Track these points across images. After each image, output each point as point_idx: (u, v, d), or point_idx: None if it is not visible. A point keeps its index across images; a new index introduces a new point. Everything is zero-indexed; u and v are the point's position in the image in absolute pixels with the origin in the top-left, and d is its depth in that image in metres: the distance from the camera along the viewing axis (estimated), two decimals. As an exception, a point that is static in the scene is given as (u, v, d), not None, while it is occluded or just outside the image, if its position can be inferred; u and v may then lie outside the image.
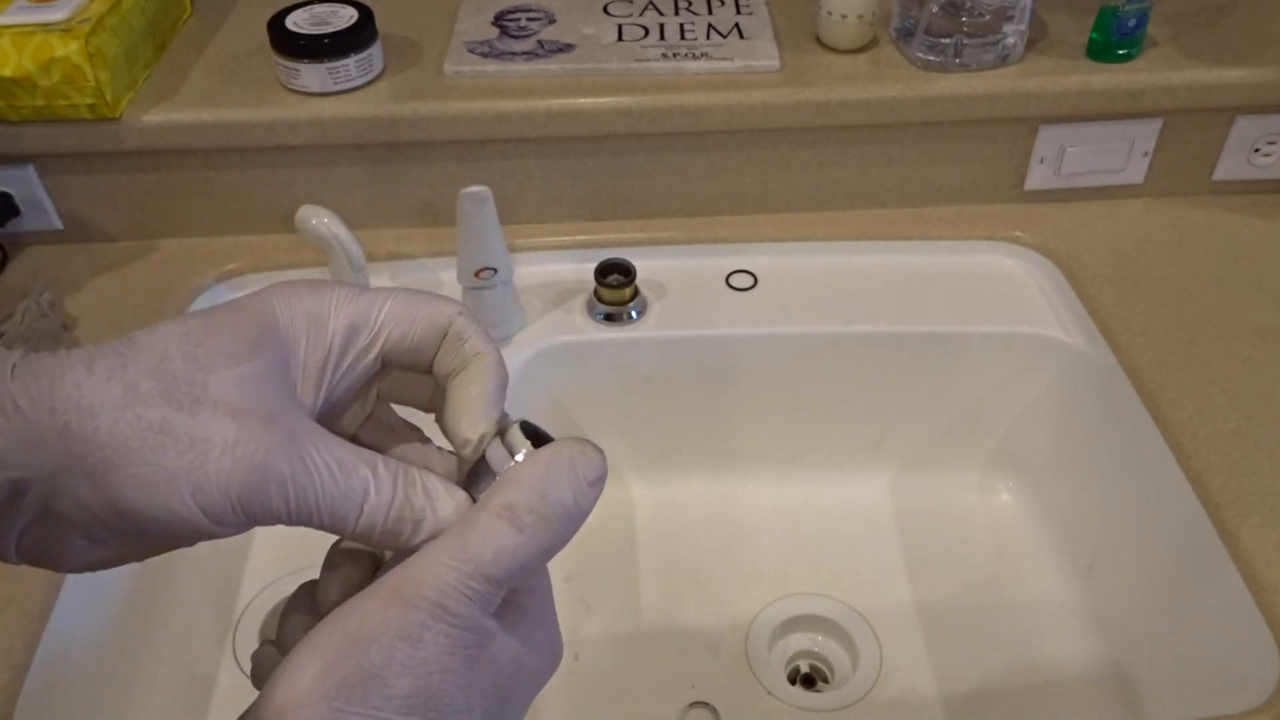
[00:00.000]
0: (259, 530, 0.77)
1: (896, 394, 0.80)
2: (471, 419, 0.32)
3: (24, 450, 0.26)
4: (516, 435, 0.32)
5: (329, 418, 0.33)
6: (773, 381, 0.80)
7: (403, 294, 0.33)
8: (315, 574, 0.33)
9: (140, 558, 0.30)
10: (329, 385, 0.31)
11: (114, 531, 0.28)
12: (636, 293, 0.78)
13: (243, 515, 0.27)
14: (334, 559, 0.33)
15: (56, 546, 0.29)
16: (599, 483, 0.31)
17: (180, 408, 0.27)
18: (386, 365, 0.33)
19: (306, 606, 0.32)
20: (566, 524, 0.30)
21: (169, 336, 0.28)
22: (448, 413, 0.32)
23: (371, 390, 0.34)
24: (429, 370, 0.33)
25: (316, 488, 0.28)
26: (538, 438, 0.32)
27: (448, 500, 0.30)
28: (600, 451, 0.31)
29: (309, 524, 0.29)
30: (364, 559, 0.33)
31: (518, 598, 0.31)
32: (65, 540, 0.28)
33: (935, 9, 0.77)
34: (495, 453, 0.31)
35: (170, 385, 0.27)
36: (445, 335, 0.33)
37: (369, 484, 0.29)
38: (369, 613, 0.28)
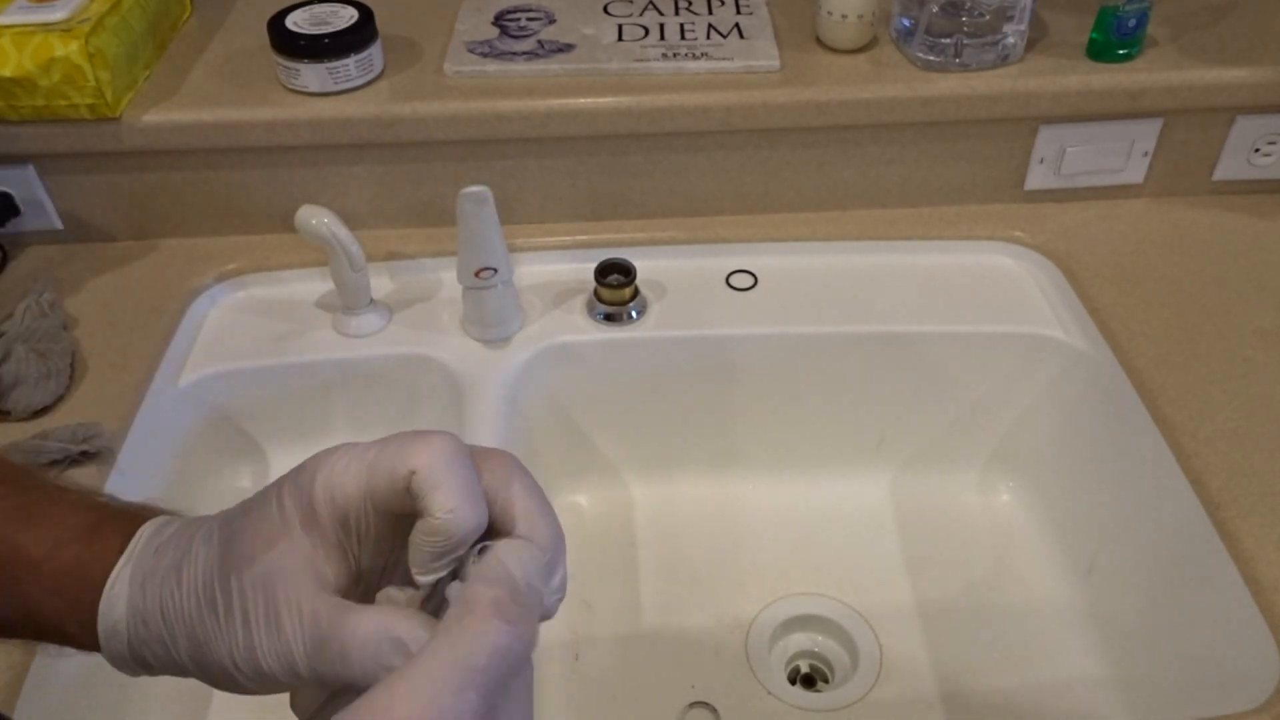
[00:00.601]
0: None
1: (896, 394, 0.80)
2: (419, 565, 0.33)
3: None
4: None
5: (376, 577, 0.35)
6: (773, 381, 0.80)
7: (367, 460, 0.34)
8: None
9: None
10: (354, 558, 0.34)
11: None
12: (636, 293, 0.78)
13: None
14: None
15: None
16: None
17: (215, 612, 0.33)
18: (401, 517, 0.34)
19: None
20: (539, 607, 0.31)
21: (212, 556, 0.34)
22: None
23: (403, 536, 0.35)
24: None
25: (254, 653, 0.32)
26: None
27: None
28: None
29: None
30: None
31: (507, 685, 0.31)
32: None
33: (935, 9, 0.77)
34: (453, 591, 0.32)
35: (213, 595, 0.33)
36: (409, 490, 0.33)
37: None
38: None
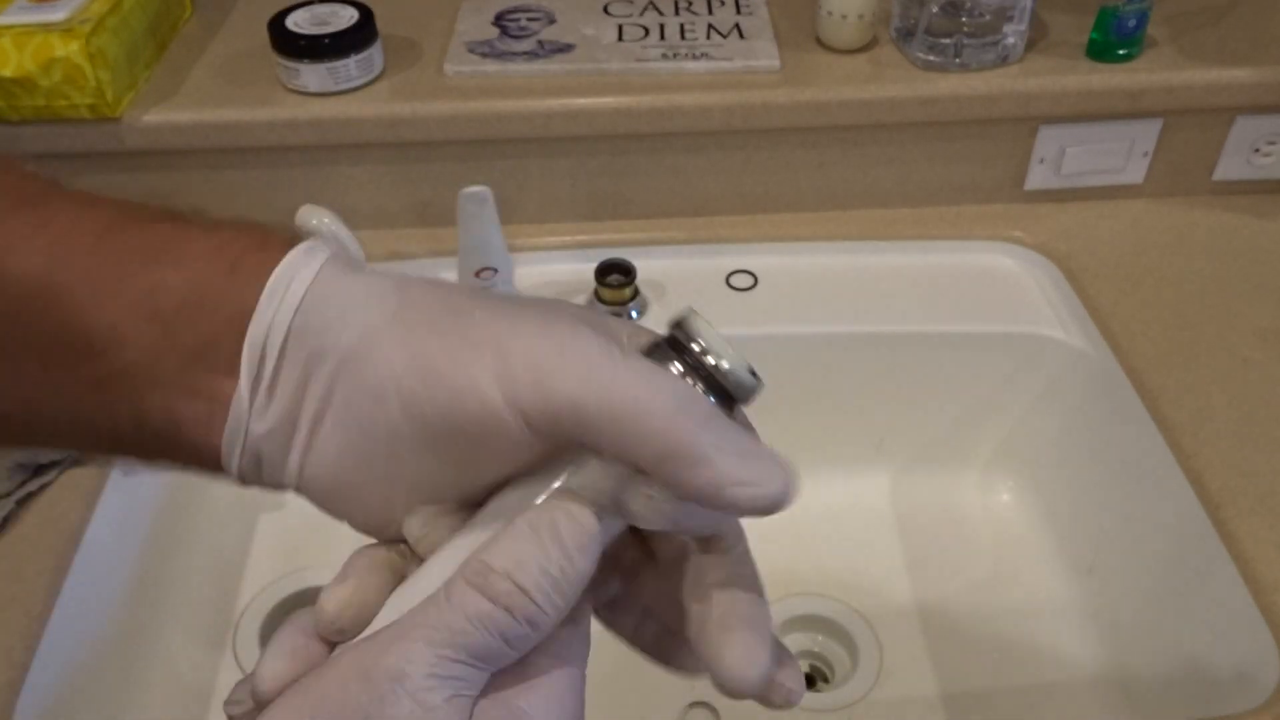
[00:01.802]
0: (259, 530, 0.77)
1: (896, 394, 0.80)
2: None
3: None
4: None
5: None
6: (772, 381, 0.79)
7: None
8: (316, 573, 0.32)
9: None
10: None
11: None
12: (636, 293, 0.78)
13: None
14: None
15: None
16: (588, 549, 0.27)
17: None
18: None
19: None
20: (550, 595, 0.26)
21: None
22: None
23: None
24: None
25: None
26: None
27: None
28: (590, 513, 0.27)
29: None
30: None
31: (529, 669, 0.27)
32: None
33: (935, 9, 0.77)
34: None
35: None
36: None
37: None
38: (327, 692, 0.25)
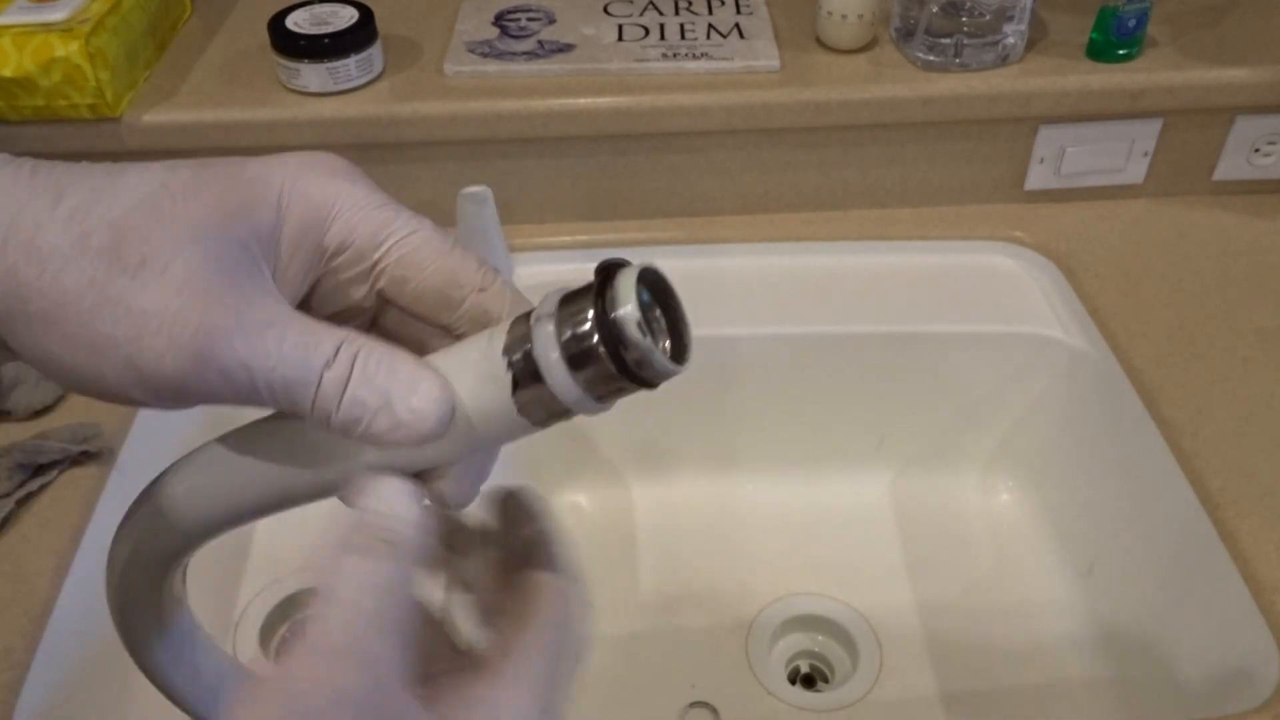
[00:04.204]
0: (259, 531, 0.77)
1: (896, 394, 0.80)
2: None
3: None
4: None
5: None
6: (773, 381, 0.80)
7: (432, 233, 0.31)
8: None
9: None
10: (301, 290, 0.30)
11: (59, 379, 0.27)
12: (636, 293, 0.78)
13: (179, 396, 0.26)
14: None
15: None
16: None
17: (125, 270, 0.25)
18: (389, 302, 0.31)
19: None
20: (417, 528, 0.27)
21: (152, 182, 0.27)
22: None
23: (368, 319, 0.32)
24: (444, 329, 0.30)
25: (266, 367, 0.26)
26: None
27: (417, 380, 0.27)
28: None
29: (257, 404, 0.27)
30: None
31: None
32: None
33: (935, 9, 0.77)
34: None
35: (123, 241, 0.26)
36: (462, 299, 0.30)
37: (328, 358, 0.26)
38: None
